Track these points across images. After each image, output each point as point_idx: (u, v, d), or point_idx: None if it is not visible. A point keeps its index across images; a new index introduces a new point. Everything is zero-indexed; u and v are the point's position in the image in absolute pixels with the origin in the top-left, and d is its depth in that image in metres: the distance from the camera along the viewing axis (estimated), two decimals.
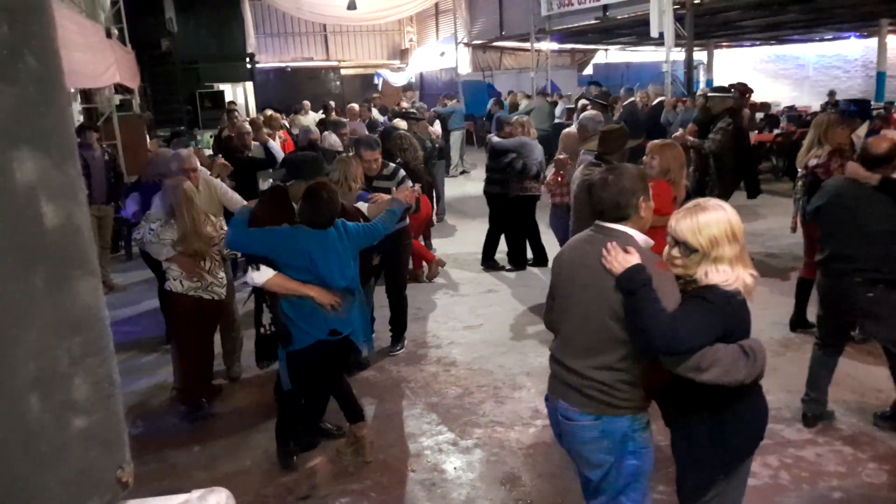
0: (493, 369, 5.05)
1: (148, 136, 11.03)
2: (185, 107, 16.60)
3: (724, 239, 2.26)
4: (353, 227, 3.70)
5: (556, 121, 13.68)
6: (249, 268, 3.55)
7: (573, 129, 6.66)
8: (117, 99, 10.64)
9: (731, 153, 7.08)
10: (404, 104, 15.77)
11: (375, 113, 14.38)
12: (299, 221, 3.59)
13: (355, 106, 12.12)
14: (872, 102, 15.48)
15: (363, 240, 3.75)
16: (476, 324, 6.00)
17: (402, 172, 5.36)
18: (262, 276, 3.49)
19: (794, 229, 5.68)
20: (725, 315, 2.24)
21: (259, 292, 3.86)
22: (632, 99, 12.29)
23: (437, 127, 11.41)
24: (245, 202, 4.97)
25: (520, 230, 7.50)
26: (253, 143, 7.50)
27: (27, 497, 0.82)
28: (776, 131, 12.72)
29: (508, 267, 7.60)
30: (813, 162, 5.15)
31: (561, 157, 6.34)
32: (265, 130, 8.04)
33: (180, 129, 12.10)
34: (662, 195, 4.18)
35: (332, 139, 7.51)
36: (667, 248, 2.45)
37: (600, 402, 2.38)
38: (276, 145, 7.42)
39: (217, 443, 4.21)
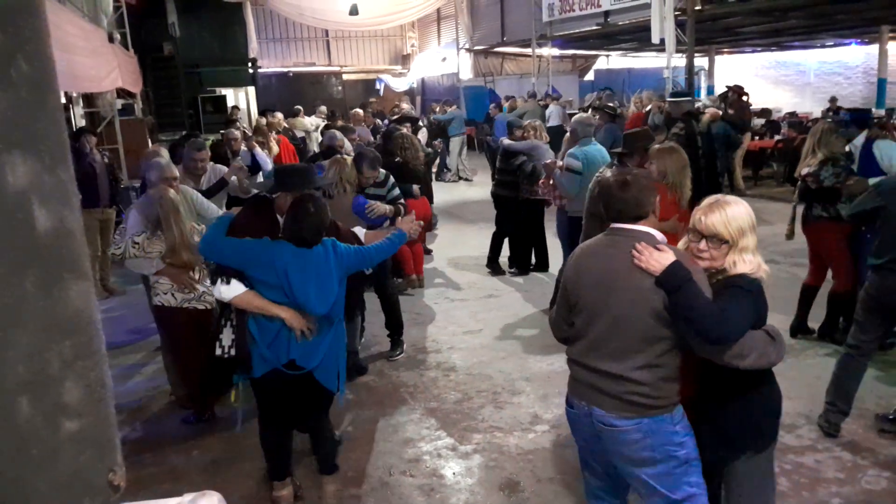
0: (493, 374, 5.04)
1: (150, 140, 11.05)
2: (188, 111, 16.65)
3: (748, 229, 2.43)
4: (344, 248, 3.38)
5: (551, 124, 13.75)
6: (219, 280, 3.24)
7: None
8: (119, 103, 10.67)
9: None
10: (405, 106, 15.80)
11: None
12: (282, 236, 3.28)
13: (360, 111, 12.13)
14: (874, 109, 15.50)
15: (353, 262, 3.40)
16: (476, 329, 6.00)
17: (392, 179, 5.40)
18: (231, 291, 3.22)
19: (788, 236, 5.68)
20: (758, 302, 2.40)
21: (224, 308, 3.54)
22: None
23: (422, 135, 11.35)
24: (221, 211, 4.87)
25: (526, 234, 7.48)
26: (242, 150, 7.43)
27: (18, 501, 0.82)
28: (777, 137, 12.73)
29: (512, 270, 7.59)
30: (805, 170, 5.17)
31: (547, 161, 6.35)
32: (257, 138, 8.02)
33: (182, 133, 12.12)
34: (661, 199, 4.19)
35: (347, 145, 7.58)
36: (682, 242, 2.57)
37: (641, 405, 2.40)
38: (262, 153, 7.27)
39: (216, 447, 4.21)
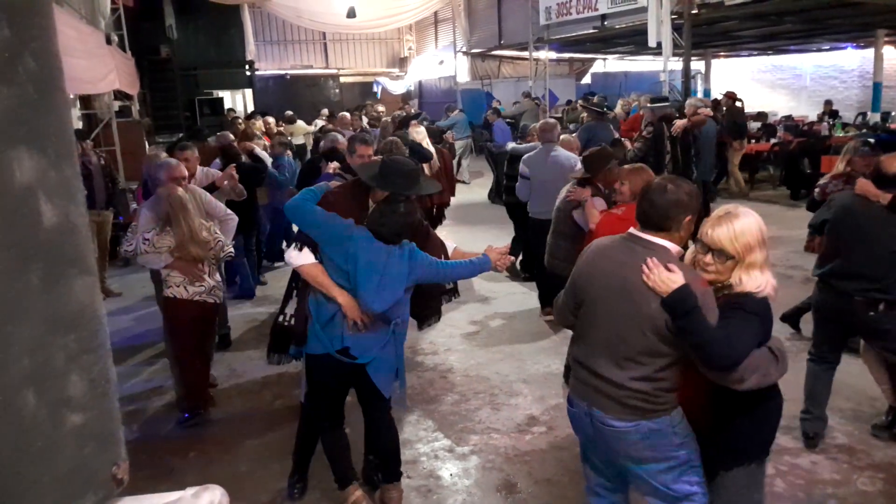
0: (490, 376, 5.05)
1: (147, 143, 11.05)
2: (184, 113, 16.65)
3: (756, 245, 2.34)
4: (422, 257, 3.22)
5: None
6: (293, 244, 3.25)
7: (572, 136, 6.68)
8: (116, 105, 10.67)
9: (653, 160, 7.38)
10: (380, 108, 15.86)
11: (365, 121, 14.30)
12: (366, 224, 3.17)
13: (346, 115, 12.01)
14: (869, 113, 15.57)
15: (427, 274, 3.24)
16: (473, 331, 6.01)
17: None
18: (301, 258, 3.20)
19: (807, 248, 5.74)
20: (763, 322, 2.33)
21: (294, 277, 3.53)
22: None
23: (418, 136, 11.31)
24: (229, 211, 4.95)
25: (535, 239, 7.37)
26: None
27: (20, 494, 0.83)
28: (773, 141, 12.77)
29: (524, 275, 7.49)
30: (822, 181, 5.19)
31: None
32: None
33: (179, 135, 12.12)
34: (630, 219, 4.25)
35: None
36: (690, 253, 2.50)
37: (640, 409, 2.40)
38: (261, 151, 7.35)
39: (213, 448, 4.21)
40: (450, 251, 3.68)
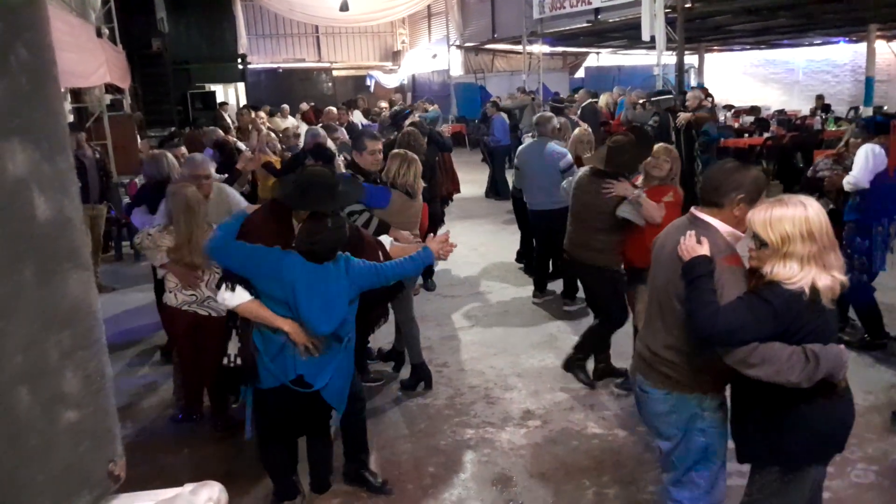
0: (485, 370, 5.05)
1: (139, 137, 10.98)
2: (176, 107, 16.56)
3: (797, 236, 2.20)
4: (358, 265, 3.13)
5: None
6: (224, 285, 3.05)
7: (581, 131, 6.62)
8: (108, 99, 10.59)
9: None
10: (395, 98, 15.77)
11: (359, 116, 14.07)
12: (294, 247, 3.06)
13: (333, 109, 11.81)
14: (861, 107, 15.62)
15: (367, 281, 3.15)
16: (467, 325, 6.00)
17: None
18: (235, 298, 3.03)
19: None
20: (780, 314, 2.20)
21: (231, 315, 3.35)
22: (591, 100, 12.59)
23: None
24: None
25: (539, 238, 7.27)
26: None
27: (15, 492, 0.82)
28: (766, 135, 12.79)
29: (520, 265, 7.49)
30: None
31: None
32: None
33: (171, 129, 12.02)
34: (681, 202, 4.26)
35: (331, 144, 7.47)
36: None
37: (671, 378, 2.55)
38: (245, 147, 7.26)
39: (206, 446, 4.19)
40: (387, 246, 3.63)
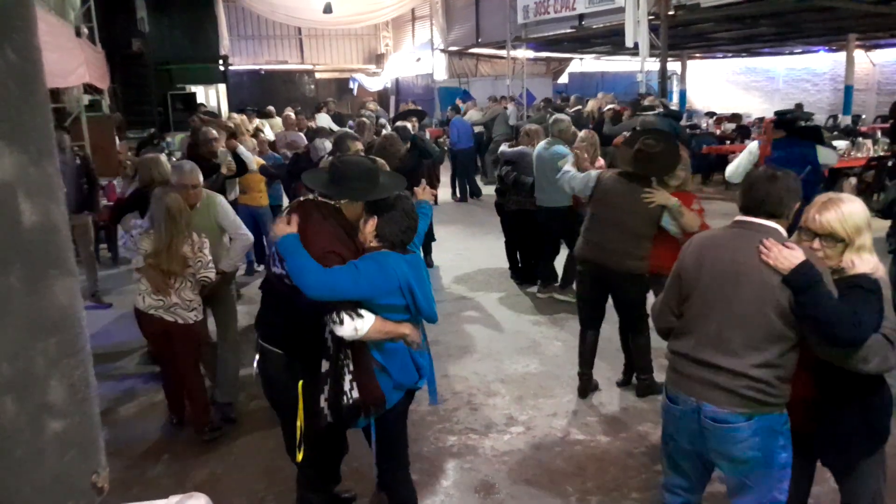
0: (468, 376, 5.04)
1: (118, 138, 10.85)
2: (157, 108, 16.40)
3: (865, 227, 2.36)
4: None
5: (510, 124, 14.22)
6: (345, 316, 2.64)
7: (587, 133, 6.63)
8: (86, 99, 10.45)
9: None
10: (371, 107, 15.66)
11: (325, 119, 13.31)
12: (383, 246, 2.77)
13: (291, 114, 11.30)
14: (840, 116, 15.86)
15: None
16: (451, 331, 5.99)
17: None
18: (367, 321, 2.66)
19: None
20: (881, 303, 2.32)
21: (338, 352, 2.80)
22: (578, 107, 12.72)
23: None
24: (245, 231, 4.52)
25: (523, 244, 7.25)
26: (220, 149, 7.11)
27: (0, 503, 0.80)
28: (747, 141, 12.94)
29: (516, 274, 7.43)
30: None
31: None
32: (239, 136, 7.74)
33: (151, 130, 11.84)
34: (702, 209, 4.29)
35: (326, 144, 7.40)
36: (793, 241, 2.46)
37: (756, 401, 2.38)
38: (246, 151, 6.82)
39: (186, 451, 4.14)
40: None
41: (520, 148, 6.88)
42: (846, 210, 2.36)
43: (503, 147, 7.24)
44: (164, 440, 4.27)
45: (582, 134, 6.48)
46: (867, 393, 2.46)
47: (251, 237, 4.62)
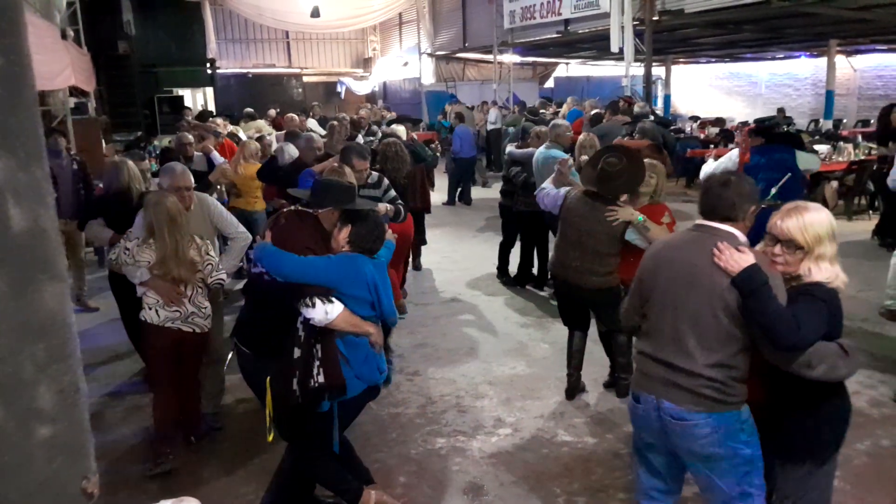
0: (456, 379, 5.05)
1: (104, 141, 10.77)
2: (143, 111, 16.30)
3: (826, 237, 2.39)
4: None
5: (490, 128, 14.26)
6: (318, 300, 2.95)
7: (585, 136, 6.64)
8: (72, 102, 10.37)
9: None
10: (363, 112, 15.65)
11: (313, 123, 13.30)
12: (352, 250, 3.13)
13: (295, 117, 11.25)
14: (821, 120, 16.04)
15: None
16: (439, 333, 6.00)
17: (387, 182, 5.05)
18: (336, 308, 2.98)
19: None
20: (831, 312, 2.34)
21: (309, 336, 3.09)
22: (558, 110, 12.81)
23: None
24: (243, 229, 4.51)
25: (525, 246, 7.24)
26: (196, 154, 7.05)
27: None
28: (731, 146, 13.05)
29: (504, 279, 7.42)
30: None
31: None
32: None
33: (138, 134, 11.77)
34: (674, 220, 4.33)
35: (291, 150, 7.33)
36: (760, 246, 2.54)
37: (713, 399, 2.43)
38: (219, 157, 6.83)
39: (175, 455, 4.11)
40: None
41: (529, 149, 6.89)
42: (808, 219, 2.40)
43: (510, 148, 7.22)
44: (147, 446, 4.23)
45: (581, 138, 6.54)
46: (819, 399, 2.47)
47: (249, 236, 4.54)
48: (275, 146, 7.99)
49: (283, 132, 9.52)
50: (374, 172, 5.02)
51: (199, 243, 3.97)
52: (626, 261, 4.25)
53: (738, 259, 2.33)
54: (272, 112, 15.15)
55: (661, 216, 4.27)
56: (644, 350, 2.65)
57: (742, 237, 2.48)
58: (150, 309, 3.84)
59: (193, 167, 6.33)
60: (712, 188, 2.53)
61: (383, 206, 4.67)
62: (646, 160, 4.45)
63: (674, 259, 2.56)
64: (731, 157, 5.74)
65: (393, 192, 5.03)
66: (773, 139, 5.87)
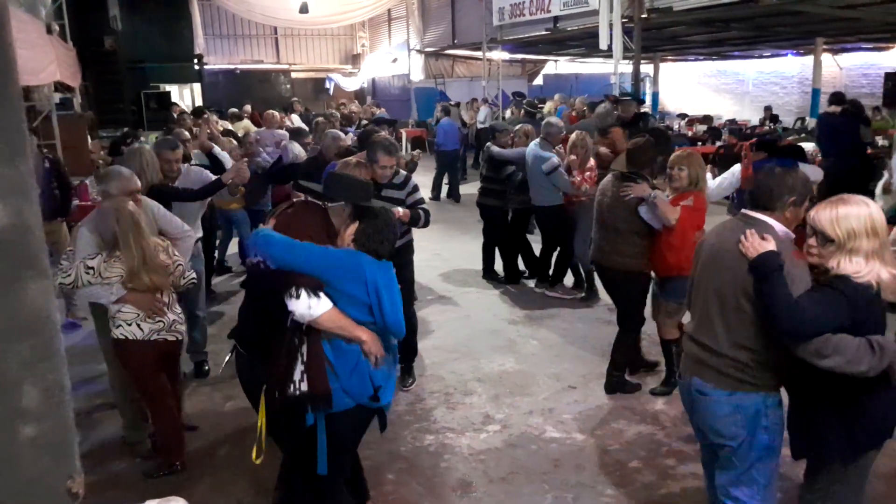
0: (445, 375, 5.05)
1: (90, 137, 10.69)
2: (130, 107, 16.17)
3: (862, 232, 2.35)
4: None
5: (482, 125, 14.36)
6: (304, 293, 2.63)
7: (577, 134, 6.64)
8: (57, 97, 10.28)
9: None
10: (353, 108, 15.63)
11: (297, 119, 13.51)
12: (356, 249, 2.81)
13: (275, 113, 11.20)
14: (807, 118, 16.16)
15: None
16: (428, 330, 5.99)
17: (414, 183, 4.73)
18: (322, 305, 2.64)
19: None
20: (853, 306, 2.31)
21: (293, 336, 2.77)
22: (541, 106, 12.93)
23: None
24: (187, 228, 4.24)
25: (514, 243, 7.29)
26: (193, 151, 6.82)
27: None
28: (719, 143, 13.13)
29: (501, 277, 7.42)
30: None
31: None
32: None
33: (124, 130, 11.63)
34: (702, 209, 4.31)
35: (297, 149, 7.28)
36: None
37: (735, 378, 2.55)
38: (223, 153, 6.57)
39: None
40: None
41: (519, 149, 6.91)
42: (841, 212, 2.37)
43: (494, 148, 7.15)
44: (135, 444, 4.20)
45: (573, 137, 6.56)
46: (844, 397, 2.44)
47: (195, 234, 4.37)
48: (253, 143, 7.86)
49: (264, 129, 9.42)
50: (401, 171, 4.71)
51: (163, 244, 3.77)
52: (657, 249, 4.36)
53: (758, 245, 2.42)
54: (247, 108, 14.89)
55: (683, 200, 4.28)
56: (687, 331, 2.82)
57: (779, 227, 2.53)
58: (129, 325, 3.58)
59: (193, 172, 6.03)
60: (758, 178, 2.64)
61: (400, 210, 4.26)
62: (677, 154, 4.49)
63: (713, 245, 2.70)
64: (734, 171, 5.76)
65: (419, 195, 4.72)
66: (775, 153, 5.86)
